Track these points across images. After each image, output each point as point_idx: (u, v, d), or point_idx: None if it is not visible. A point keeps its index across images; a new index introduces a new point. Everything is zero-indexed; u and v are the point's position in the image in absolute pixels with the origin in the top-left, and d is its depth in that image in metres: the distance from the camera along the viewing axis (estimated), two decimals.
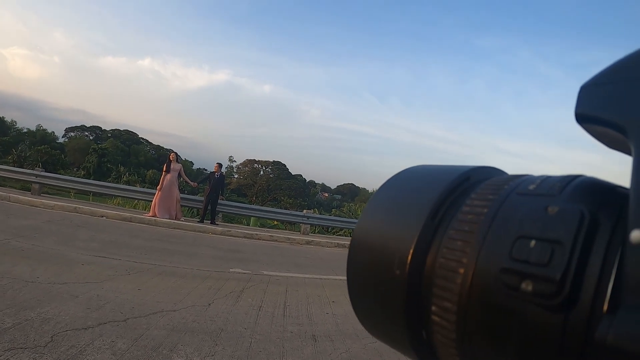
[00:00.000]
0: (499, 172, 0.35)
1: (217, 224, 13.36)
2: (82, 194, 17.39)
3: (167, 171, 12.97)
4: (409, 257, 0.30)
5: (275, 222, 18.79)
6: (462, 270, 0.27)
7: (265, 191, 65.74)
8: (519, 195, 0.28)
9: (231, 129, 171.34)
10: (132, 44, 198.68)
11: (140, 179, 36.81)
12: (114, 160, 54.83)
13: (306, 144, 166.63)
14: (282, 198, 60.97)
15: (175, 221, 12.34)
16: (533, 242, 0.25)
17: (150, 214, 12.64)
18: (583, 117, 0.29)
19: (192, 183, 14.68)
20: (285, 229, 17.97)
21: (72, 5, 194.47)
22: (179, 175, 13.24)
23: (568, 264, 0.23)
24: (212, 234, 11.97)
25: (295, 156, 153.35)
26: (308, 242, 12.97)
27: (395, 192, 0.35)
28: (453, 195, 0.32)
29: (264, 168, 71.65)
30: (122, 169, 38.52)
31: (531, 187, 0.28)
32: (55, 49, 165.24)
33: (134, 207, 15.33)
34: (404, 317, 0.30)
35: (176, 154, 13.53)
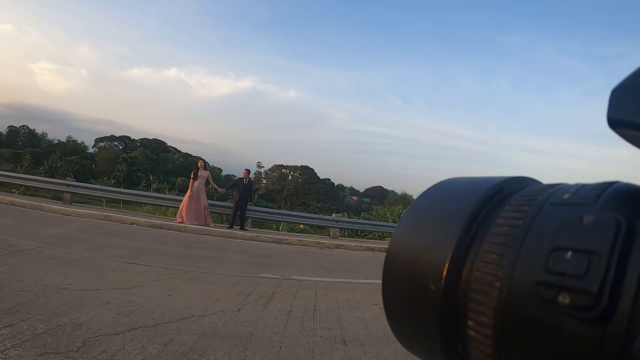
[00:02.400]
0: (533, 181, 0.35)
1: (247, 230, 13.46)
2: (112, 202, 17.71)
3: (195, 178, 13.12)
4: (445, 272, 0.30)
5: (302, 226, 18.82)
6: (498, 284, 0.27)
7: (294, 196, 65.95)
8: (553, 206, 0.27)
9: (258, 135, 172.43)
10: (157, 55, 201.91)
11: (169, 186, 37.23)
12: (143, 168, 55.65)
13: (333, 148, 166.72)
14: (311, 202, 61.06)
15: (204, 227, 12.47)
16: (569, 254, 0.24)
17: (178, 220, 12.83)
18: (616, 122, 0.29)
19: (220, 189, 14.79)
20: (315, 233, 17.99)
21: (96, 20, 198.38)
22: (207, 182, 13.39)
23: (605, 276, 0.23)
24: (241, 239, 12.04)
25: (323, 160, 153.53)
26: (337, 246, 12.94)
27: (430, 206, 0.35)
28: (487, 208, 0.31)
29: (292, 173, 71.88)
30: (151, 177, 39.08)
31: (565, 196, 0.28)
32: (82, 63, 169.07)
33: (164, 214, 15.55)
34: (439, 332, 0.30)
35: (204, 161, 13.68)
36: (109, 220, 11.70)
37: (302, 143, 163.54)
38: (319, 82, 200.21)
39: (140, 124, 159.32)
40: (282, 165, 72.59)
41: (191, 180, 13.18)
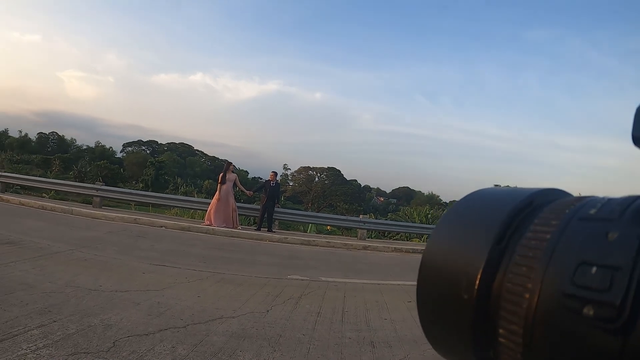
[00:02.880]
0: (563, 193, 0.36)
1: (274, 232, 13.49)
2: (141, 206, 17.98)
3: (223, 182, 13.19)
4: (477, 282, 0.31)
5: (329, 228, 18.79)
6: (527, 295, 0.28)
7: (321, 197, 66.06)
8: (580, 221, 0.29)
9: (284, 137, 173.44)
10: (182, 60, 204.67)
11: (197, 189, 37.67)
12: (171, 172, 56.39)
13: (359, 149, 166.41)
14: (338, 204, 61.09)
15: (232, 230, 12.53)
16: (594, 269, 0.26)
17: (206, 222, 12.94)
18: None
19: (247, 192, 14.84)
20: (342, 235, 17.94)
21: (122, 28, 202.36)
22: (235, 184, 13.45)
23: (627, 289, 0.24)
24: (269, 241, 12.06)
25: (349, 162, 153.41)
26: (365, 247, 12.86)
27: (463, 216, 0.36)
28: (517, 220, 0.32)
29: (318, 174, 72.04)
30: (179, 180, 39.56)
31: (592, 211, 0.29)
32: (109, 70, 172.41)
33: (192, 217, 15.70)
34: (472, 337, 0.32)
35: (231, 163, 13.77)
36: (138, 223, 11.84)
37: (328, 144, 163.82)
38: (344, 83, 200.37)
39: (168, 128, 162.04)
40: (308, 167, 72.87)
41: (219, 183, 13.26)
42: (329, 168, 71.76)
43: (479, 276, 0.31)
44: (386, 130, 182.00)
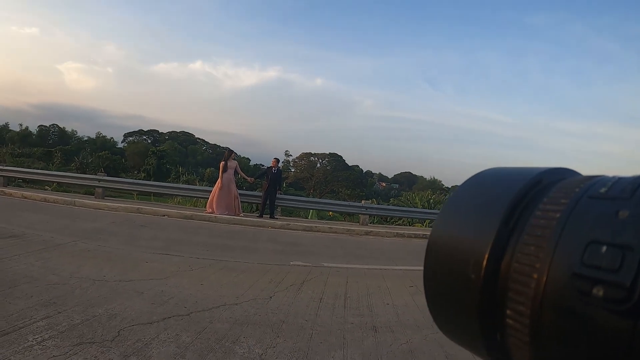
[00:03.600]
0: (572, 172, 0.35)
1: (277, 218, 13.51)
2: (143, 195, 18.01)
3: (224, 169, 13.19)
4: (484, 262, 0.31)
5: (331, 214, 18.81)
6: (535, 276, 0.28)
7: (323, 183, 66.05)
8: (590, 199, 0.28)
9: (286, 124, 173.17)
10: (182, 49, 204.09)
11: (199, 177, 37.63)
12: (172, 161, 56.28)
13: (361, 135, 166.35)
14: (340, 189, 61.12)
15: (234, 217, 12.59)
16: (604, 248, 0.25)
17: (208, 210, 13.02)
18: None
19: (249, 179, 14.82)
20: (344, 220, 17.97)
21: (120, 19, 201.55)
22: (236, 172, 13.47)
23: (638, 270, 0.24)
24: (271, 228, 12.11)
25: (351, 147, 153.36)
26: (367, 233, 12.90)
27: (470, 196, 0.36)
28: (526, 199, 0.32)
29: (320, 160, 71.99)
30: (180, 169, 39.46)
31: (602, 190, 0.28)
32: (109, 61, 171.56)
33: (194, 205, 15.72)
34: (478, 319, 0.31)
35: (232, 151, 13.80)
36: (140, 213, 11.90)
37: (329, 131, 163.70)
38: (346, 69, 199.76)
39: (169, 117, 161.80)
40: (310, 153, 72.82)
41: (220, 170, 13.25)
42: (330, 154, 71.65)
43: (486, 256, 0.31)
44: (388, 115, 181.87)
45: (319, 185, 65.42)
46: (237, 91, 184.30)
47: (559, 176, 0.33)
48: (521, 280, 0.29)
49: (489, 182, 0.36)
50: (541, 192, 0.32)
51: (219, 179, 13.16)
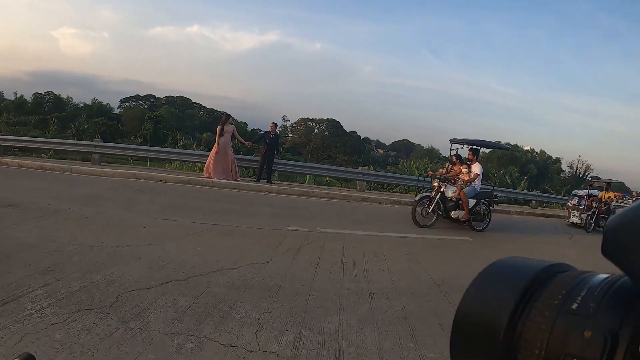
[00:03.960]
0: (565, 268, 0.41)
1: (274, 183, 13.58)
2: (140, 161, 18.02)
3: (221, 134, 13.09)
4: (501, 337, 0.37)
5: (328, 179, 18.84)
6: None
7: (320, 149, 65.83)
8: (566, 315, 0.35)
9: (284, 88, 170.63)
10: (179, 12, 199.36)
11: (195, 142, 37.48)
12: (170, 126, 55.88)
13: (360, 101, 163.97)
14: (337, 155, 60.84)
15: (231, 182, 12.58)
16: None
17: (205, 175, 13.03)
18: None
19: (246, 143, 14.74)
20: (341, 186, 18.00)
21: None
22: (233, 136, 13.40)
23: None
24: (268, 192, 12.16)
25: (350, 113, 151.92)
26: (364, 199, 12.96)
27: (482, 292, 0.41)
28: (521, 306, 0.37)
29: (318, 126, 71.63)
30: (177, 134, 39.24)
31: (574, 306, 0.35)
32: (105, 25, 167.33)
33: (191, 170, 15.72)
34: None
35: (229, 115, 13.71)
36: (137, 178, 11.90)
37: (328, 96, 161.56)
38: (346, 34, 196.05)
39: (165, 82, 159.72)
40: (308, 118, 72.32)
41: (217, 135, 13.16)
42: (328, 120, 71.15)
43: (502, 334, 0.36)
44: (388, 82, 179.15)
45: (317, 151, 65.20)
46: (236, 55, 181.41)
47: (551, 275, 0.39)
48: None
49: (494, 288, 0.40)
50: (535, 297, 0.37)
51: (216, 144, 13.10)
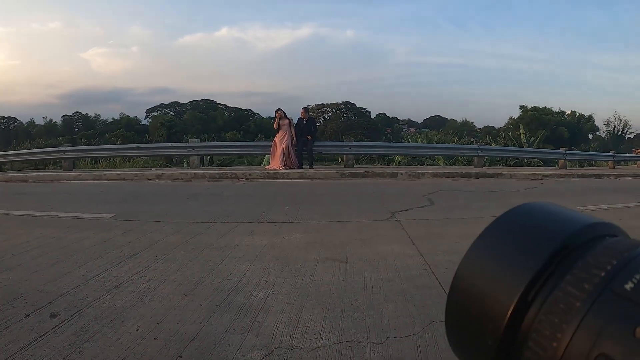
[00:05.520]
0: (611, 228, 0.33)
1: (313, 168, 13.96)
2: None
3: (278, 129, 13.92)
4: (500, 335, 0.29)
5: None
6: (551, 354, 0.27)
7: (337, 133, 65.89)
8: (612, 295, 0.26)
9: (319, 79, 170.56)
10: (205, 19, 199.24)
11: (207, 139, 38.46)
12: (196, 129, 57.15)
13: (392, 83, 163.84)
14: (358, 137, 61.02)
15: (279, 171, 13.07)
16: None
17: (273, 166, 13.92)
18: None
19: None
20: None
21: (143, 0, 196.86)
22: (290, 127, 14.01)
23: None
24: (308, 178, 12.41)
25: (380, 96, 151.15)
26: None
27: (495, 249, 0.33)
28: (551, 268, 0.30)
29: (333, 110, 71.89)
30: (189, 135, 39.67)
31: (628, 285, 0.26)
32: (135, 41, 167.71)
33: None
34: None
35: (279, 110, 14.22)
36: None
37: (359, 82, 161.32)
38: (372, 19, 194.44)
39: (196, 87, 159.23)
40: (322, 104, 72.68)
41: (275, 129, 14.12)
42: (343, 102, 71.54)
43: (502, 328, 0.29)
44: (415, 61, 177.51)
45: (335, 135, 65.30)
46: (272, 52, 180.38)
47: (593, 236, 0.31)
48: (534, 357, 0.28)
49: (518, 236, 0.33)
50: (569, 259, 0.30)
51: (275, 138, 14.02)
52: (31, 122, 78.23)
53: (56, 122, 78.77)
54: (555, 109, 57.45)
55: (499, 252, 0.32)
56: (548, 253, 0.30)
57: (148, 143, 23.58)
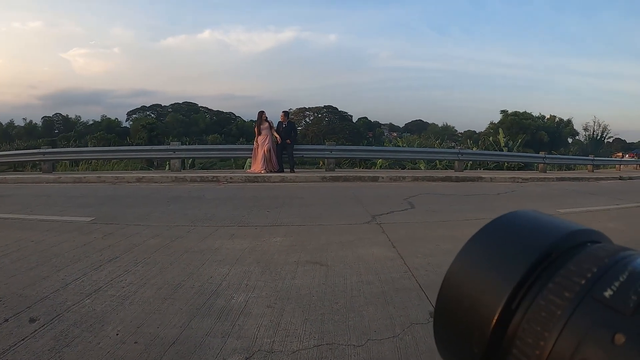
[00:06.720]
0: (595, 235, 0.33)
1: (295, 171, 14.00)
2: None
3: (259, 132, 13.91)
4: (487, 340, 0.30)
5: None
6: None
7: (319, 137, 66.01)
8: (592, 301, 0.26)
9: (304, 82, 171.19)
10: (189, 21, 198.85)
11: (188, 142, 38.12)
12: (177, 132, 56.65)
13: (372, 88, 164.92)
14: (340, 141, 61.18)
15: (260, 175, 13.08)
16: None
17: (255, 169, 13.93)
18: None
19: (277, 137, 14.89)
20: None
21: (125, 1, 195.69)
22: (271, 130, 14.04)
23: None
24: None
25: (361, 100, 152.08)
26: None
27: (488, 247, 0.34)
28: (533, 276, 0.30)
29: (315, 114, 72.01)
30: (171, 138, 39.41)
31: (607, 293, 0.26)
32: (117, 43, 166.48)
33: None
34: None
35: (262, 112, 14.23)
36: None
37: (342, 86, 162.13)
38: (353, 24, 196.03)
39: (177, 89, 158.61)
40: (304, 108, 72.77)
41: (255, 133, 14.03)
42: (325, 107, 71.74)
43: (488, 333, 0.30)
44: (399, 66, 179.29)
45: (316, 139, 65.41)
46: (254, 55, 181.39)
47: (574, 244, 0.32)
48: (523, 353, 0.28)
49: (502, 246, 0.33)
50: (550, 268, 0.30)
51: (255, 141, 14.03)
52: (10, 124, 77.20)
53: (36, 124, 77.80)
54: (536, 113, 58.78)
55: (484, 260, 0.33)
56: (531, 261, 0.30)
57: (129, 145, 23.25)
